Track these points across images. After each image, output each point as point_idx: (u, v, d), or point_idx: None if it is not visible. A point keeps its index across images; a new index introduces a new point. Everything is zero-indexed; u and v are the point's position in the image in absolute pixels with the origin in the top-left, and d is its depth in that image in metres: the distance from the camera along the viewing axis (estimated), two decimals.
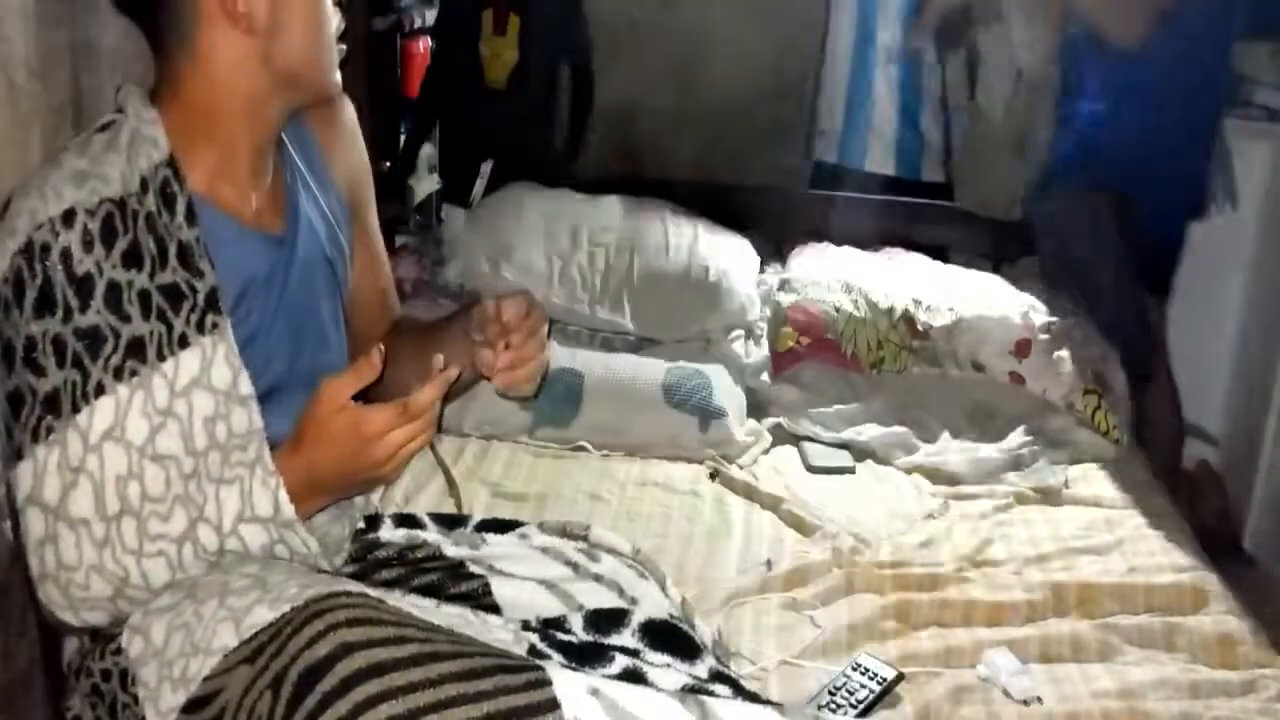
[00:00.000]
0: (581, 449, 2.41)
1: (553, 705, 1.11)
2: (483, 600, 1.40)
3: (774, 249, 3.09)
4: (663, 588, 1.55)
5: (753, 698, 1.36)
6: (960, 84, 3.10)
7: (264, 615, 1.18)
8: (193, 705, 1.19)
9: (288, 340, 1.42)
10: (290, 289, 1.42)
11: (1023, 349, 2.64)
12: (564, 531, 1.60)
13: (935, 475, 2.41)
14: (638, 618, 1.42)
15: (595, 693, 1.14)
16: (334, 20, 1.39)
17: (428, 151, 3.59)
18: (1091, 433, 2.56)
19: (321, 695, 1.08)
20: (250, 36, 1.32)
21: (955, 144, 3.18)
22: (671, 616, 1.46)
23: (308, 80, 1.38)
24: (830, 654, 1.77)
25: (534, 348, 1.44)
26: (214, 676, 1.18)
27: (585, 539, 1.58)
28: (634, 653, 1.36)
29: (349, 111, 1.56)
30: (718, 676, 1.38)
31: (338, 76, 1.42)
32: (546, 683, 1.13)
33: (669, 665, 1.36)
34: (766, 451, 2.47)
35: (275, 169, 1.43)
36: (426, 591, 1.40)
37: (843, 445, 2.49)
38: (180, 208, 1.30)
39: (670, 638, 1.42)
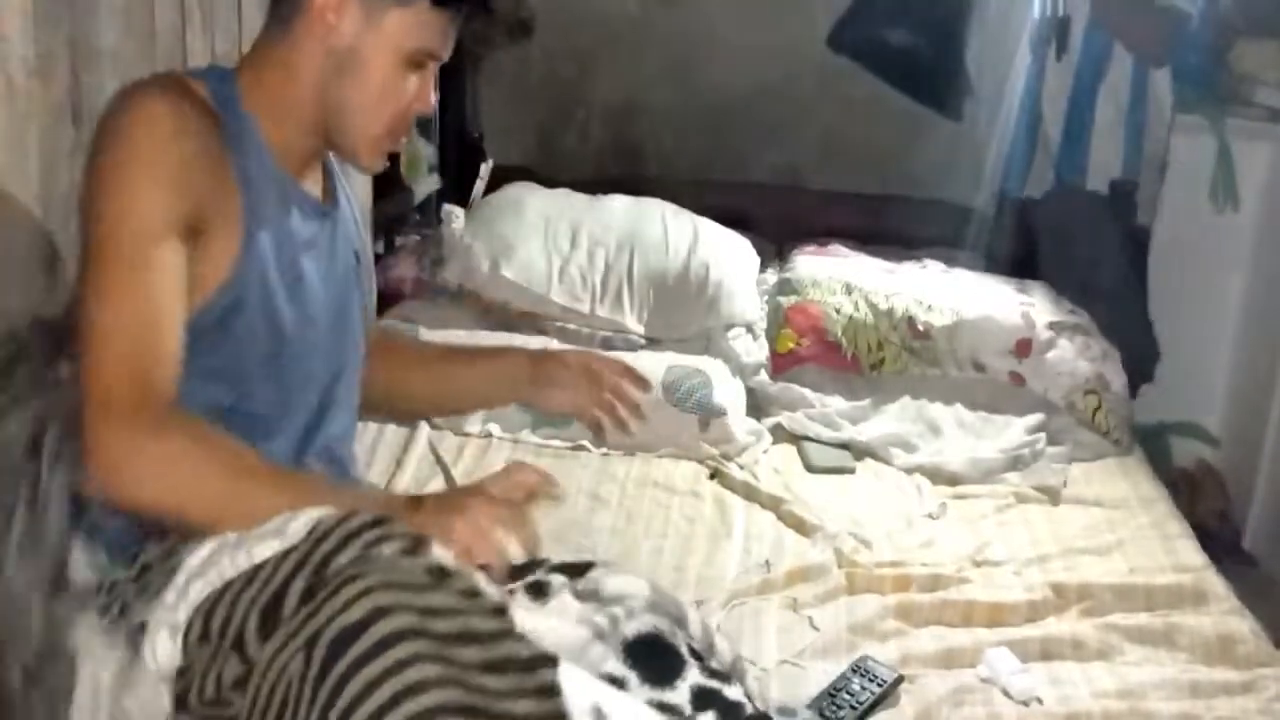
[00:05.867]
0: (581, 448, 2.41)
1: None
2: None
3: (774, 249, 3.08)
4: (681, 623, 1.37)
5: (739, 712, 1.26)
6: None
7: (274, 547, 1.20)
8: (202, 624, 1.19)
9: (331, 314, 1.47)
10: (336, 261, 1.49)
11: (1023, 349, 2.64)
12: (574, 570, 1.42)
13: (935, 475, 2.41)
14: (624, 633, 1.29)
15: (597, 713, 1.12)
16: (406, 104, 1.40)
17: (428, 152, 3.59)
18: (1092, 433, 2.56)
19: (354, 658, 1.07)
20: (326, 55, 1.37)
21: None
22: (655, 629, 1.31)
23: (345, 133, 1.41)
24: (830, 654, 1.76)
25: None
26: (219, 594, 1.19)
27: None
28: (619, 682, 1.24)
29: None
30: (701, 696, 1.26)
31: (376, 159, 1.45)
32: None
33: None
34: (766, 451, 2.47)
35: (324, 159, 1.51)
36: None
37: (843, 445, 2.49)
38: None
39: (650, 654, 1.29)
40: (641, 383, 1.69)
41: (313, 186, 1.47)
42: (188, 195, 1.30)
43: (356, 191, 1.67)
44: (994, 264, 3.10)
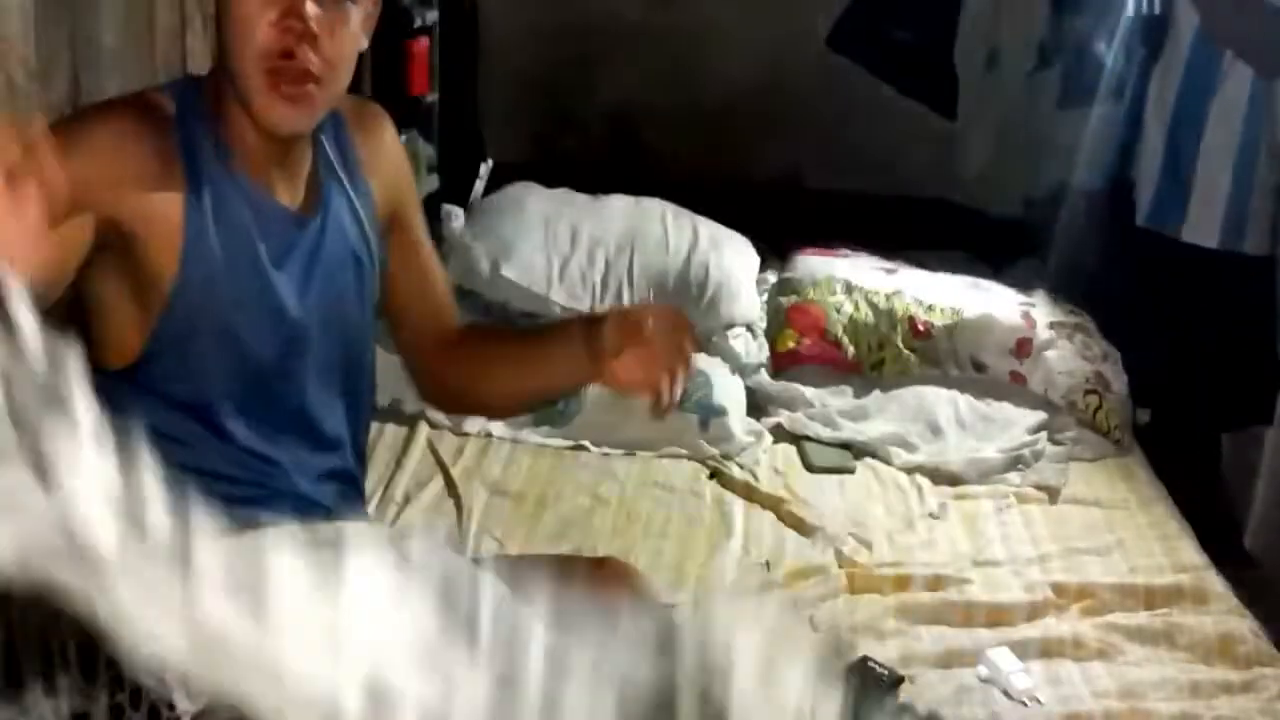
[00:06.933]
0: (581, 448, 2.41)
1: None
2: None
3: (774, 249, 3.08)
4: None
5: None
6: None
7: None
8: None
9: (318, 321, 1.41)
10: (320, 273, 1.41)
11: (1023, 349, 2.64)
12: None
13: (935, 475, 2.41)
14: None
15: None
16: (264, 35, 1.29)
17: (428, 152, 3.59)
18: (1092, 432, 2.56)
19: None
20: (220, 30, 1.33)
21: None
22: None
23: (239, 89, 1.32)
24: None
25: (669, 356, 1.45)
26: None
27: None
28: None
29: (390, 131, 1.56)
30: None
31: (269, 110, 1.32)
32: None
33: None
34: (766, 451, 2.47)
35: (310, 160, 1.43)
36: None
37: (843, 445, 2.49)
38: None
39: None
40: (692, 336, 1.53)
41: (287, 195, 1.40)
42: (108, 186, 1.25)
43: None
44: (995, 264, 3.09)
